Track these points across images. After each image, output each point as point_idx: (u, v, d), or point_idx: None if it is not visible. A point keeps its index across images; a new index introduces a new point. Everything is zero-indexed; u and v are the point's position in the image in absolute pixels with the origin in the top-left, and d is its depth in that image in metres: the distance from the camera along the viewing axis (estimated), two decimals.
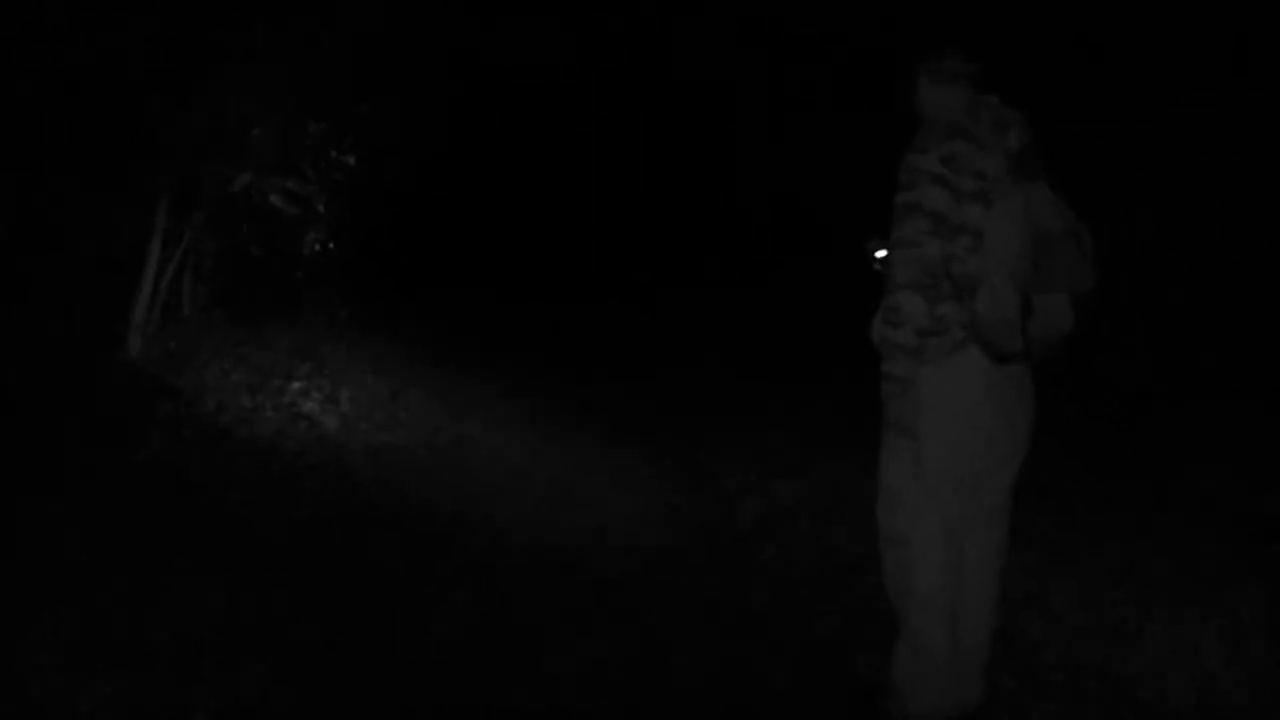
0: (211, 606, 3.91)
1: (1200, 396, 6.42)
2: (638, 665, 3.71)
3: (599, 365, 8.42)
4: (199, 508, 4.95)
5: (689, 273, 10.79)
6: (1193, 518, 4.95)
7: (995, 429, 3.24)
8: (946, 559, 3.25)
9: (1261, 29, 6.78)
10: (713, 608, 4.18)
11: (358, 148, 7.41)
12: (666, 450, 6.37)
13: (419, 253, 10.35)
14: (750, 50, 10.82)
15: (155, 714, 3.19)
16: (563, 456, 6.24)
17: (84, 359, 6.61)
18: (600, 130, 11.91)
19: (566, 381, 7.88)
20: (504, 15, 10.25)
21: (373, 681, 3.50)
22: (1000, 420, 3.25)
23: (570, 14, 11.12)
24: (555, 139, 11.82)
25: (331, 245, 7.57)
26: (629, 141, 11.93)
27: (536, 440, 6.52)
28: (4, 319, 6.15)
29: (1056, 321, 3.22)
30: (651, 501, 5.49)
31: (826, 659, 3.75)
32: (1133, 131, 7.08)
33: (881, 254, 3.37)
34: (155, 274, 7.27)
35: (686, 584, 4.43)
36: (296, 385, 7.04)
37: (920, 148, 3.21)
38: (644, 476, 5.92)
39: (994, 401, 3.22)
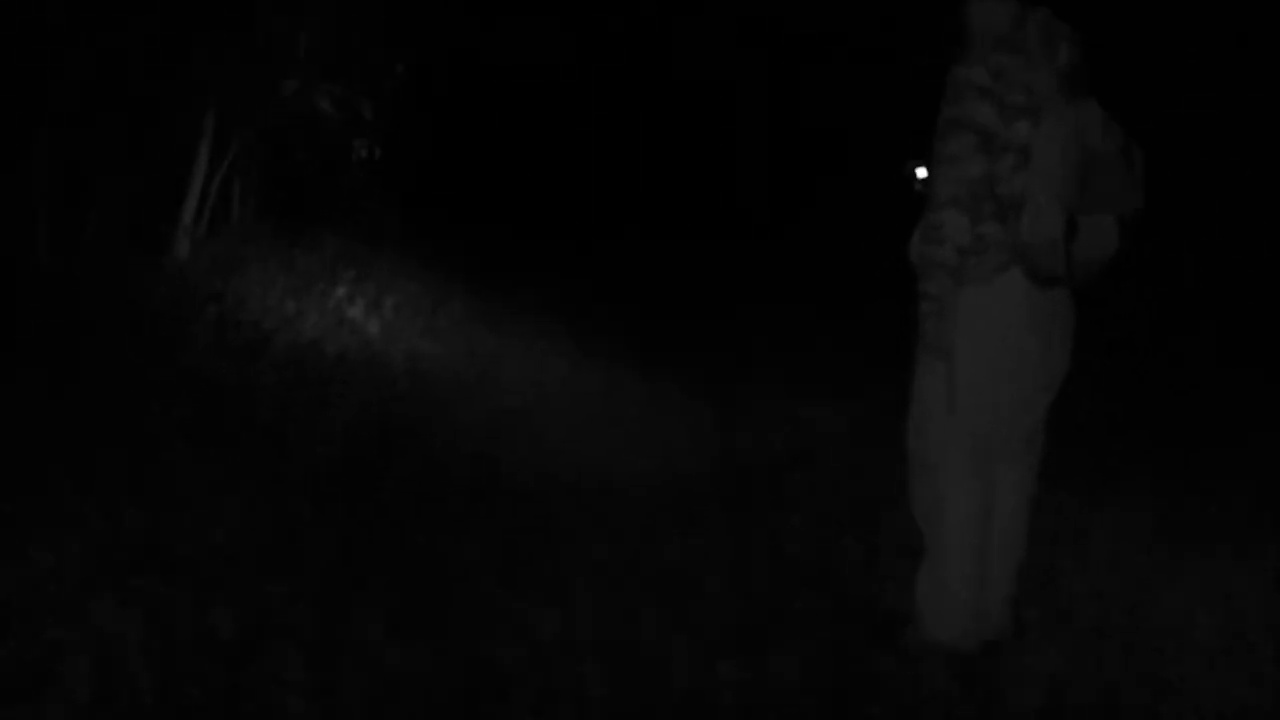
0: (235, 520, 3.92)
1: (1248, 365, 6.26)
2: (661, 587, 3.69)
3: (635, 299, 8.40)
4: (235, 417, 4.98)
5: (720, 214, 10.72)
6: (1230, 470, 4.83)
7: (1033, 354, 3.15)
8: (977, 485, 3.18)
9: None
10: (740, 534, 4.14)
11: (405, 57, 7.32)
12: (702, 377, 6.32)
13: (462, 167, 10.33)
14: None
15: (175, 624, 3.22)
16: (598, 380, 6.21)
17: (133, 261, 6.67)
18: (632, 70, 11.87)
19: (605, 315, 7.83)
20: None
21: (396, 597, 3.50)
22: (1039, 345, 3.16)
23: None
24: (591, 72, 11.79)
25: (378, 153, 7.52)
26: (656, 86, 11.86)
27: (572, 362, 6.50)
28: (60, 216, 6.20)
29: (1102, 244, 3.12)
30: (685, 427, 5.45)
31: (850, 587, 3.70)
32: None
33: (922, 174, 3.32)
34: (204, 179, 7.30)
35: (714, 509, 4.40)
36: (341, 291, 7.07)
37: (967, 61, 3.11)
38: (678, 404, 5.87)
39: (1034, 326, 3.13)
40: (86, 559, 3.44)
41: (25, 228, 6.11)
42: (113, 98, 6.25)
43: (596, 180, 11.70)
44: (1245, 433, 5.28)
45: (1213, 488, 4.60)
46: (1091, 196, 3.07)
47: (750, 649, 3.26)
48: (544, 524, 4.13)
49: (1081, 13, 3.24)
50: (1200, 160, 7.03)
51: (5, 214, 5.98)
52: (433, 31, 7.70)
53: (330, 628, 3.19)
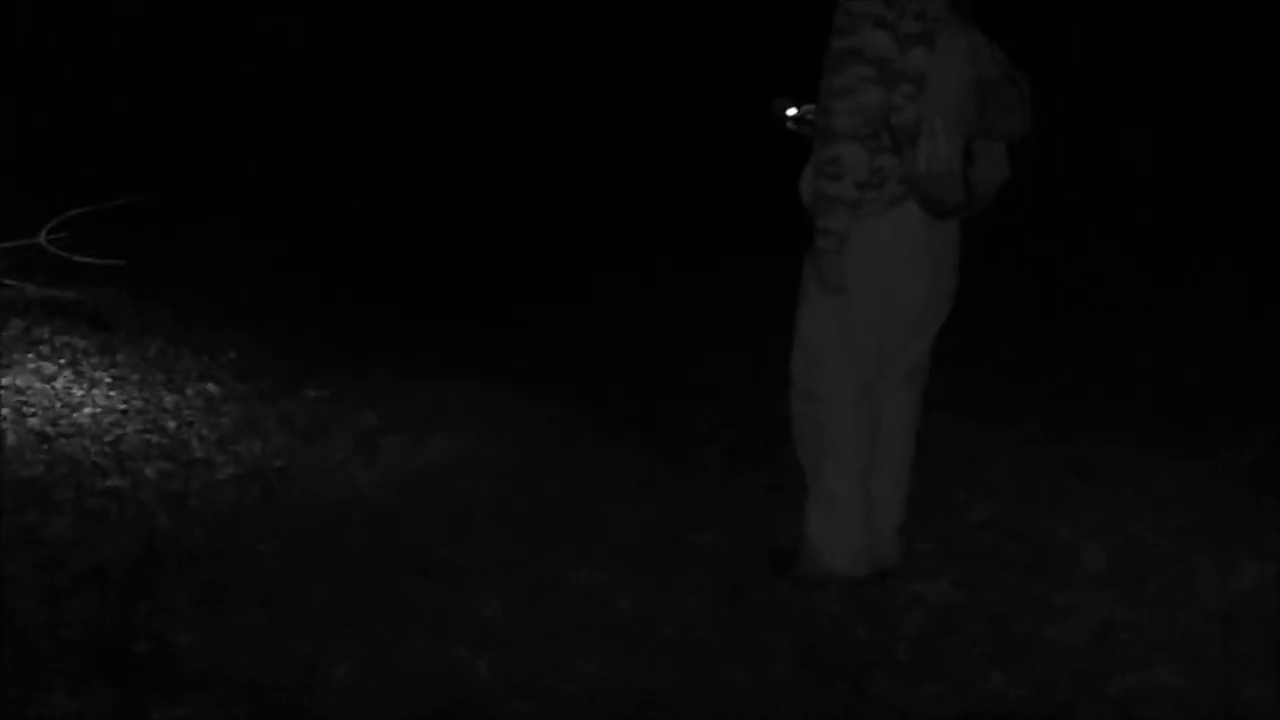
0: None
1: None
2: (561, 516, 3.69)
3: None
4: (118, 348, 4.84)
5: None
6: (1118, 389, 4.93)
7: (925, 283, 3.13)
8: (864, 416, 3.19)
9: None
10: (644, 470, 4.13)
11: None
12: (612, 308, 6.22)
13: None
14: None
15: None
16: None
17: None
18: None
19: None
20: None
21: None
22: (931, 273, 3.14)
23: None
24: None
25: None
26: None
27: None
28: None
29: (995, 171, 3.09)
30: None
31: (747, 522, 3.72)
32: None
33: (792, 112, 3.21)
34: None
35: (620, 443, 4.38)
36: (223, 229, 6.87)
37: None
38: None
39: (929, 257, 3.11)
40: None
41: None
42: None
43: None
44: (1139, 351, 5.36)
45: (1104, 410, 4.68)
46: (986, 122, 3.02)
47: (651, 580, 3.28)
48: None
49: None
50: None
51: None
52: None
53: None
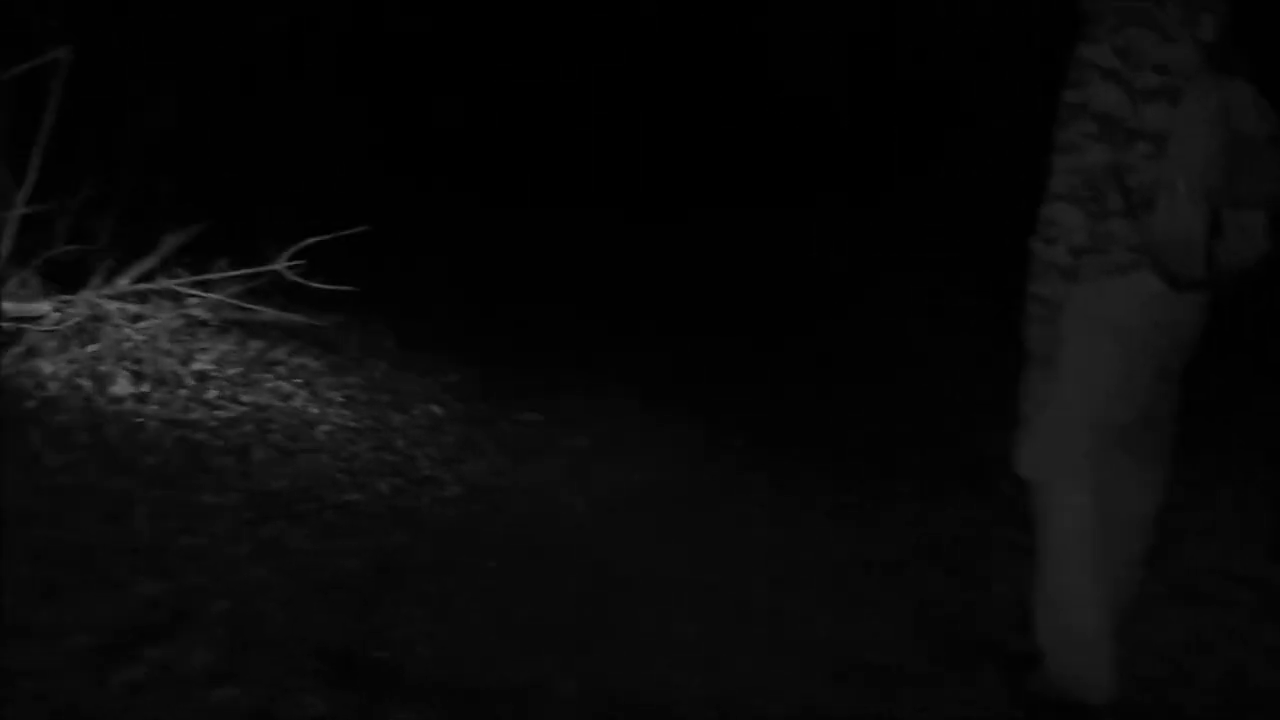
0: None
1: None
2: (755, 540, 3.77)
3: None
4: (347, 371, 5.13)
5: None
6: None
7: (1153, 365, 2.83)
8: (1086, 505, 2.82)
9: None
10: (834, 498, 4.18)
11: None
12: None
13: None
14: None
15: None
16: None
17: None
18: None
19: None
20: None
21: None
22: (1162, 354, 2.84)
23: None
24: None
25: None
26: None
27: None
28: None
29: (1249, 244, 2.74)
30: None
31: (944, 554, 3.72)
32: None
33: None
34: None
35: (815, 471, 4.44)
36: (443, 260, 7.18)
37: (1091, 37, 2.73)
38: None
39: (1158, 336, 2.81)
40: None
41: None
42: None
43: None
44: None
45: None
46: (1240, 188, 2.69)
47: (849, 607, 3.32)
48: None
49: None
50: None
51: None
52: None
53: None
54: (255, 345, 5.38)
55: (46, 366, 4.25)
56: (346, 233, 5.93)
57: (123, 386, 4.29)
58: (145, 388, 4.34)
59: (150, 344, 4.76)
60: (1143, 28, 2.73)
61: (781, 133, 9.90)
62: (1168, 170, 2.70)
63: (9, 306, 4.59)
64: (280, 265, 5.77)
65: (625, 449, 4.63)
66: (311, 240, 5.83)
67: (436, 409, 4.89)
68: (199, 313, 5.32)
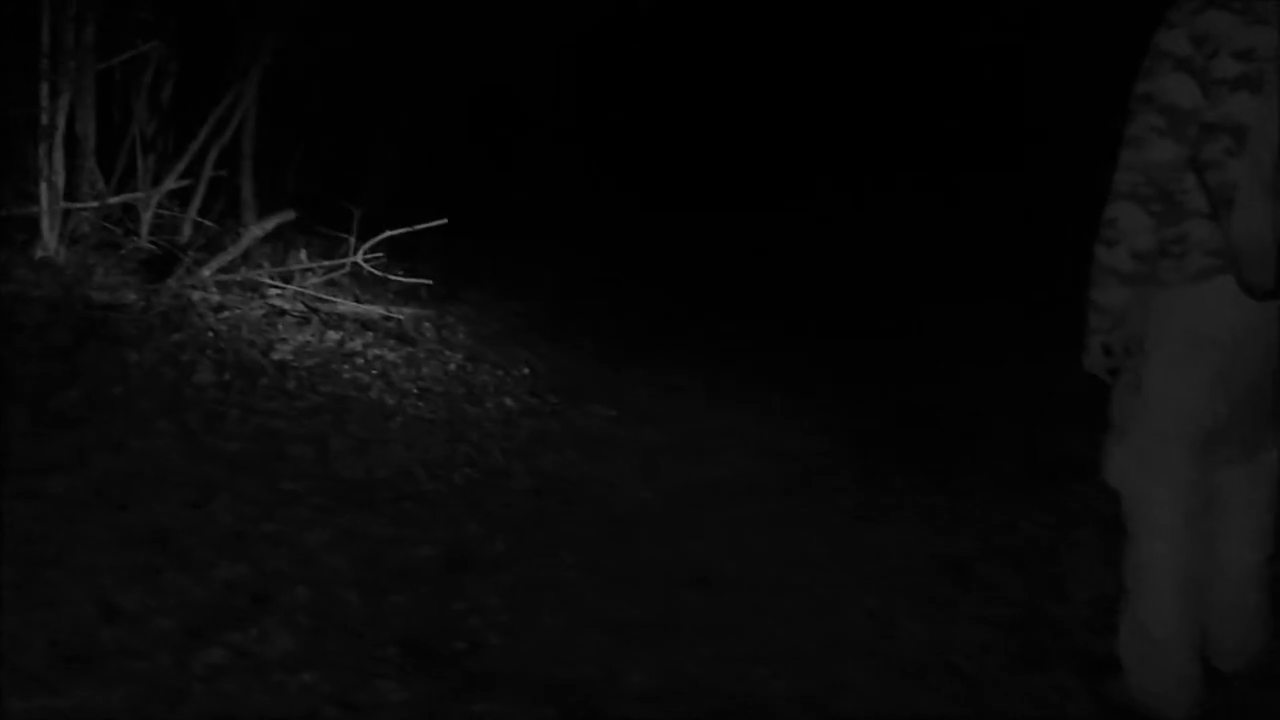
0: None
1: None
2: (834, 538, 3.74)
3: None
4: (421, 363, 5.18)
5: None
6: None
7: (1243, 380, 2.63)
8: (1177, 522, 2.65)
9: None
10: (922, 498, 4.14)
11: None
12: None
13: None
14: None
15: None
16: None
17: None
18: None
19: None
20: None
21: None
22: (1250, 369, 2.64)
23: None
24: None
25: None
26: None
27: None
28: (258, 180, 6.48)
29: None
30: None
31: (1031, 557, 3.67)
32: None
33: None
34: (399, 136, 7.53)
35: (898, 470, 4.41)
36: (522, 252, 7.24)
37: (1169, 22, 2.54)
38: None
39: (1243, 346, 2.61)
40: None
41: (232, 186, 6.41)
42: None
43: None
44: None
45: None
46: None
47: (934, 609, 3.28)
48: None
49: None
50: None
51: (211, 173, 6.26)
52: None
53: None
54: (333, 336, 5.45)
55: (132, 354, 4.34)
56: (425, 225, 6.04)
57: (205, 375, 4.37)
58: (227, 376, 4.41)
59: (232, 334, 4.84)
60: (1225, 10, 2.51)
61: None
62: (1247, 168, 2.49)
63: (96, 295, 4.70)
64: (358, 258, 5.86)
65: (697, 445, 4.62)
66: (389, 234, 5.92)
67: (510, 401, 4.92)
68: (280, 303, 5.40)
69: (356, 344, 5.39)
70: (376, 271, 5.94)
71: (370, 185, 7.31)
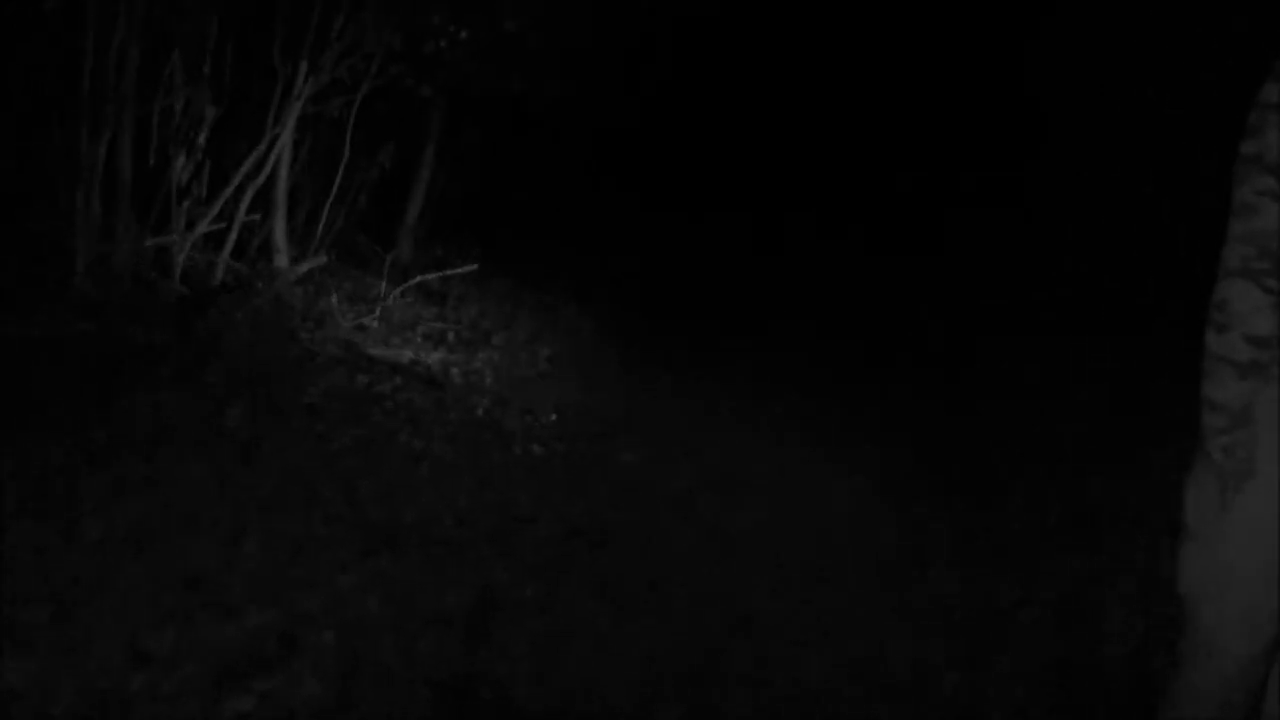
0: None
1: None
2: (876, 581, 3.71)
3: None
4: (450, 407, 5.19)
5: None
6: None
7: None
8: (1258, 656, 2.28)
9: None
10: (959, 540, 4.10)
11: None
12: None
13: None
14: None
15: None
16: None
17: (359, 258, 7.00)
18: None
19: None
20: None
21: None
22: None
23: None
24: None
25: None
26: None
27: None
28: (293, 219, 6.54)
29: None
30: None
31: (1072, 604, 3.62)
32: None
33: None
34: (428, 181, 7.59)
35: (934, 513, 4.37)
36: (551, 296, 7.28)
37: (1275, 73, 2.20)
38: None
39: None
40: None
41: (264, 227, 6.46)
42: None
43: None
44: None
45: None
46: None
47: (975, 657, 3.24)
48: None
49: None
50: None
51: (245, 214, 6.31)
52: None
53: None
54: (362, 379, 5.46)
55: (164, 394, 4.35)
56: (455, 271, 6.05)
57: (235, 417, 4.37)
58: (259, 417, 4.42)
59: (263, 375, 4.85)
60: None
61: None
62: None
63: None
64: (389, 301, 5.88)
65: (732, 484, 4.59)
66: (420, 278, 5.94)
67: (537, 448, 4.90)
68: (311, 345, 5.42)
69: (385, 387, 5.40)
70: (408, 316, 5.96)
71: (402, 230, 7.38)
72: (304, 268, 5.73)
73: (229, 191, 5.86)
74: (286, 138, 6.04)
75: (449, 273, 6.92)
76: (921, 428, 5.63)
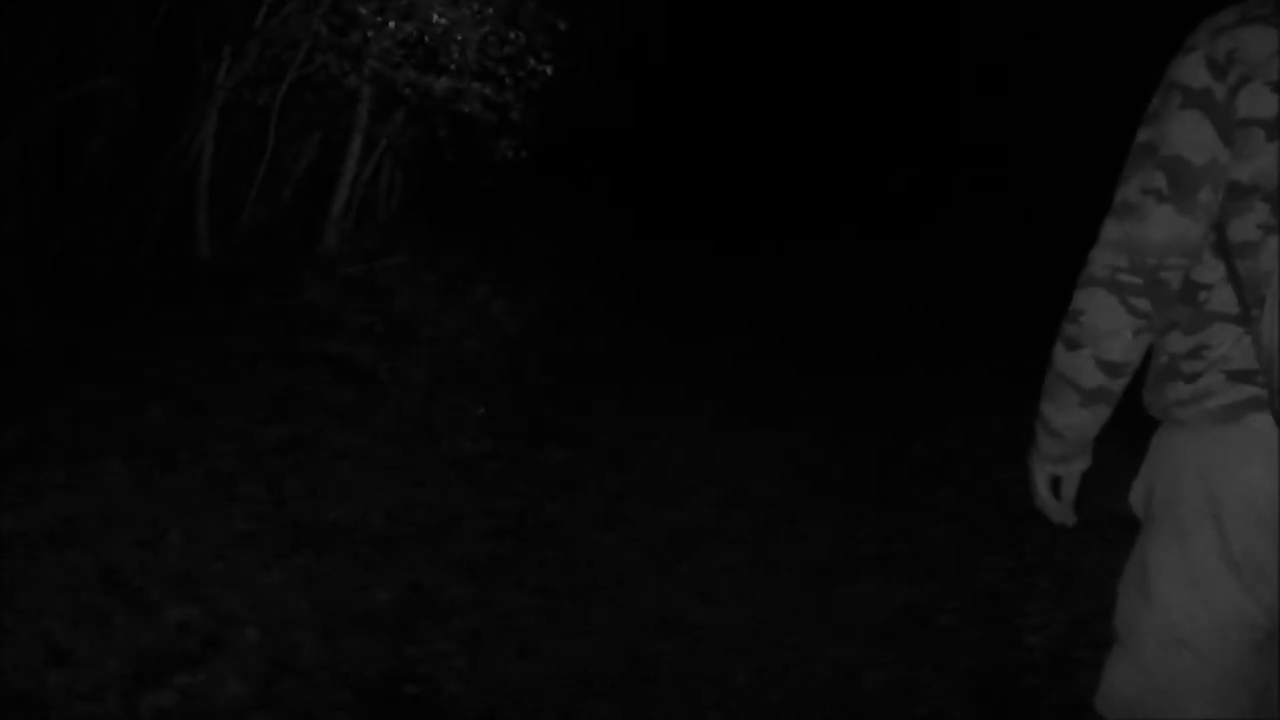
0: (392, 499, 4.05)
1: None
2: (800, 587, 3.72)
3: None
4: (378, 404, 5.14)
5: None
6: None
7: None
8: None
9: None
10: (880, 545, 4.12)
11: (556, 61, 7.44)
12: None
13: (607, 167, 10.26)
14: None
15: None
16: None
17: (285, 251, 6.91)
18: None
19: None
20: None
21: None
22: None
23: None
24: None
25: (523, 153, 7.66)
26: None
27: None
28: (214, 210, 6.45)
29: None
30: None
31: (993, 607, 3.65)
32: None
33: None
34: (354, 173, 7.51)
35: (855, 518, 4.38)
36: (483, 289, 7.22)
37: (1185, 47, 1.76)
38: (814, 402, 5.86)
39: None
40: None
41: (186, 218, 6.35)
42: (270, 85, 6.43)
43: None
44: None
45: None
46: None
47: (898, 660, 3.26)
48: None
49: None
50: None
51: (166, 204, 6.20)
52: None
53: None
54: (289, 377, 5.38)
55: (82, 391, 4.26)
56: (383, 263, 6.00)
57: (157, 416, 4.29)
58: (179, 416, 4.35)
59: (185, 373, 4.77)
60: (1263, 25, 1.70)
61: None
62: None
63: None
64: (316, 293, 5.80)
65: (661, 489, 4.58)
66: (347, 269, 5.87)
67: (468, 444, 4.87)
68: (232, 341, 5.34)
69: (312, 385, 5.32)
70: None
71: (328, 222, 7.30)
72: (228, 259, 5.64)
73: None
74: (209, 128, 5.95)
75: (377, 265, 6.86)
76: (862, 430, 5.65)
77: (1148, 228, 1.74)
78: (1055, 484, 1.92)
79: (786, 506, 4.46)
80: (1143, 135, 1.79)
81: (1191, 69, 1.73)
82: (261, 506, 3.85)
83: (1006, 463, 4.66)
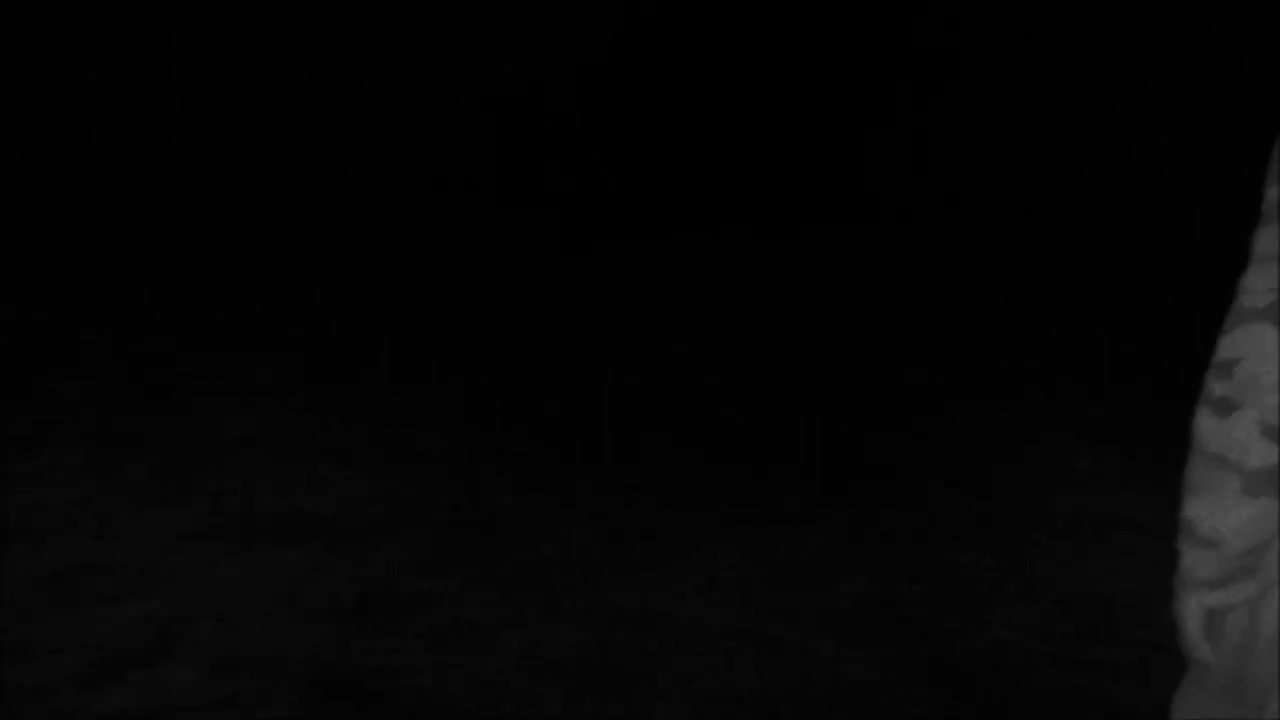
0: None
1: None
2: (763, 582, 3.71)
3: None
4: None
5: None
6: None
7: None
8: None
9: None
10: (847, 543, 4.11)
11: None
12: None
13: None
14: None
15: None
16: None
17: None
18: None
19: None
20: None
21: None
22: None
23: None
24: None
25: None
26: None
27: None
28: None
29: None
30: None
31: (967, 602, 3.64)
32: None
33: None
34: None
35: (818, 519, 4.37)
36: None
37: None
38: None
39: None
40: None
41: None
42: None
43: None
44: None
45: None
46: None
47: (871, 653, 3.25)
48: None
49: None
50: None
51: None
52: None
53: None
54: (242, 363, 5.32)
55: (38, 386, 4.19)
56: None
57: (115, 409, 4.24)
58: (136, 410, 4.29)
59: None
60: None
61: None
62: None
63: None
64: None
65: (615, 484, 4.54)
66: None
67: (428, 437, 4.81)
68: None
69: (267, 373, 5.26)
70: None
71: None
72: None
73: None
74: None
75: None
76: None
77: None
78: (1211, 620, 1.37)
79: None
80: (1273, 192, 1.38)
81: None
82: (217, 500, 3.79)
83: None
